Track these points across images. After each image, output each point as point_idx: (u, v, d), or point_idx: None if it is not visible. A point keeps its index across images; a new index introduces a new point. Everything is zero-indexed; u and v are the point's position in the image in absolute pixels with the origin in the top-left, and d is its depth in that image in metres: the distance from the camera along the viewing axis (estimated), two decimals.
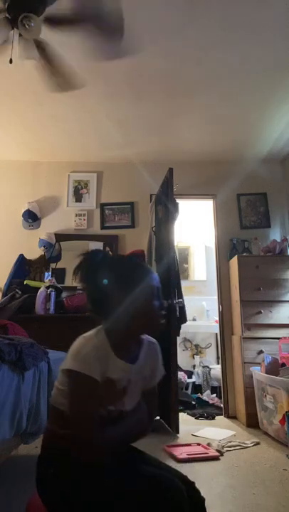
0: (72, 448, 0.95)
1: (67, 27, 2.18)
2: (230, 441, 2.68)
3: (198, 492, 1.04)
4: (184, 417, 3.40)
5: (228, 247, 3.87)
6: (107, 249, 3.85)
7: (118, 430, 1.02)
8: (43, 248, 3.78)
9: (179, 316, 3.12)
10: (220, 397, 3.83)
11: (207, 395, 4.08)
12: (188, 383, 4.31)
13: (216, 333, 4.37)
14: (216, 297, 3.93)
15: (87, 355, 1.02)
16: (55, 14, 2.08)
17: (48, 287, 3.34)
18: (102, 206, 4.01)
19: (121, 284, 1.05)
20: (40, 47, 2.17)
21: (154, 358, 1.16)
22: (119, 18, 2.19)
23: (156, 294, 1.08)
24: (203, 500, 1.04)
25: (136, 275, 1.08)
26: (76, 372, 0.99)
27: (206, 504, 1.05)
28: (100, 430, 0.96)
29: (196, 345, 4.80)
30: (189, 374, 4.47)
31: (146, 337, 1.16)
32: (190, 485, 1.03)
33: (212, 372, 4.30)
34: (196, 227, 5.17)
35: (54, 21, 2.11)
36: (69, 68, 2.46)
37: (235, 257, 3.57)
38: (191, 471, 2.14)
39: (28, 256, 3.79)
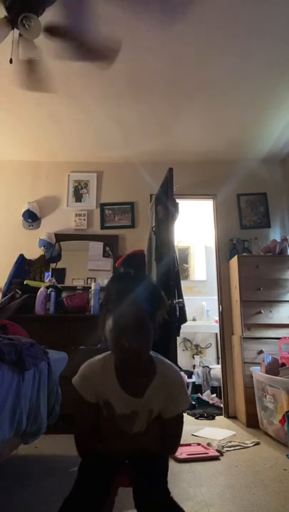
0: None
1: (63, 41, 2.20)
2: (230, 441, 2.68)
3: None
4: (184, 417, 3.39)
5: (228, 247, 3.87)
6: (107, 249, 3.86)
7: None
8: (43, 248, 3.78)
9: (179, 316, 3.11)
10: (220, 397, 3.83)
11: (207, 395, 4.08)
12: (188, 383, 4.31)
13: (216, 333, 4.37)
14: (216, 297, 3.93)
15: (84, 376, 1.12)
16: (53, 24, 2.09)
17: (48, 287, 3.34)
18: (102, 206, 4.01)
19: (102, 306, 1.10)
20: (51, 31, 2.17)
21: (169, 390, 1.10)
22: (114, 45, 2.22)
23: (125, 321, 1.01)
24: None
25: (109, 298, 1.08)
26: (75, 387, 1.11)
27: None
28: (88, 436, 1.09)
29: (196, 345, 4.80)
30: (189, 374, 4.47)
31: (162, 368, 1.12)
32: None
33: (212, 372, 4.30)
34: (196, 227, 5.17)
35: (52, 32, 2.13)
36: (46, 71, 2.47)
37: (235, 257, 3.57)
38: (191, 471, 2.14)
39: (28, 256, 3.78)
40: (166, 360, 1.17)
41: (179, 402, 1.13)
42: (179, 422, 1.15)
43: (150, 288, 1.10)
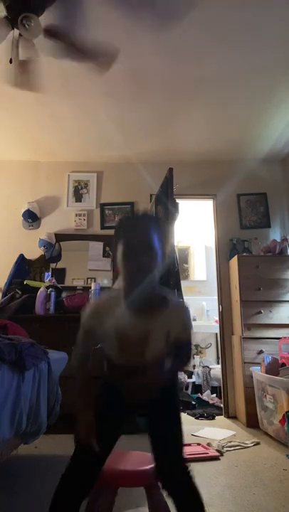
0: None
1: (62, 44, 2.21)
2: (230, 441, 2.68)
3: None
4: (184, 417, 3.37)
5: (228, 247, 3.87)
6: (107, 249, 3.86)
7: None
8: (43, 248, 3.78)
9: None
10: (220, 397, 3.83)
11: (207, 395, 4.08)
12: (188, 383, 4.31)
13: (216, 333, 4.37)
14: (216, 297, 3.93)
15: (91, 306, 1.25)
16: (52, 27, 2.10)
17: (48, 287, 3.34)
18: (102, 206, 4.01)
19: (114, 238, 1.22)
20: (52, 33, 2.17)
21: (178, 321, 1.19)
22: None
23: (131, 246, 1.13)
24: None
25: (116, 229, 1.22)
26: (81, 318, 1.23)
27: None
28: (83, 358, 1.24)
29: (196, 345, 4.80)
30: (189, 374, 4.46)
31: (173, 301, 1.23)
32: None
33: (212, 372, 4.30)
34: (196, 227, 5.17)
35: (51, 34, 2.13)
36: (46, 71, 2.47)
37: (235, 257, 3.57)
38: None
39: (28, 256, 3.78)
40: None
41: (188, 330, 1.21)
42: (187, 344, 1.22)
43: (157, 222, 1.26)
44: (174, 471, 1.13)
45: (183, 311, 1.22)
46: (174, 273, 3.15)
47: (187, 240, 5.28)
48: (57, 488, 1.10)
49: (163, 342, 1.16)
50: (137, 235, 1.14)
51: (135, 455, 1.42)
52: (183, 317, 1.21)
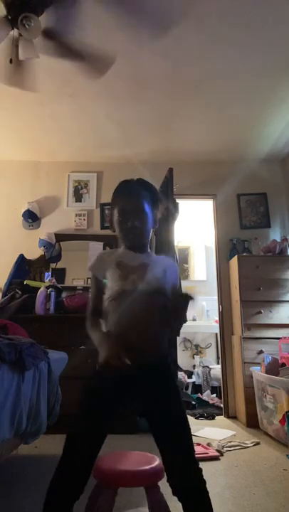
0: None
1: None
2: (230, 441, 2.68)
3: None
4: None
5: (228, 247, 3.87)
6: (107, 249, 3.85)
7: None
8: (43, 248, 3.78)
9: None
10: (220, 397, 3.83)
11: (207, 395, 4.08)
12: (188, 383, 4.31)
13: (216, 333, 4.37)
14: (216, 297, 3.93)
15: (97, 257, 1.37)
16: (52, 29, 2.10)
17: (48, 287, 3.34)
18: (102, 206, 4.01)
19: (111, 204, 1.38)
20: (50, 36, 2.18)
21: (172, 275, 1.31)
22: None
23: (125, 209, 1.27)
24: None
25: (113, 194, 1.37)
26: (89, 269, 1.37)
27: None
28: (94, 313, 1.28)
29: (196, 345, 4.80)
30: (189, 374, 4.47)
31: (165, 259, 1.40)
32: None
33: (212, 372, 4.30)
34: (196, 227, 5.17)
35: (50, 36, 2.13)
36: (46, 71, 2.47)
37: (235, 257, 3.57)
38: None
39: (28, 256, 3.78)
40: None
41: (177, 281, 1.36)
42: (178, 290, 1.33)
43: (150, 188, 1.36)
44: (185, 473, 1.09)
45: (173, 263, 1.43)
46: None
47: (187, 239, 5.27)
48: (52, 479, 1.07)
49: (160, 274, 1.25)
50: (130, 200, 1.29)
51: (135, 455, 1.41)
52: (175, 267, 1.40)
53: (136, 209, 1.28)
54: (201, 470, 1.10)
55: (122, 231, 1.29)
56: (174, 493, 1.07)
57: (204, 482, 1.08)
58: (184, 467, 1.10)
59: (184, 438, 1.15)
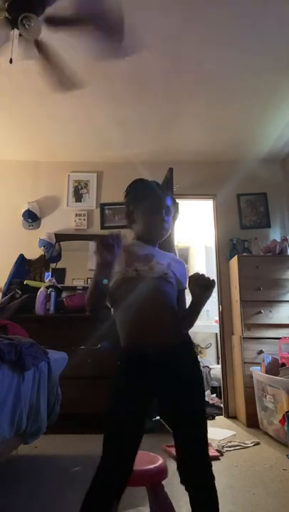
0: None
1: (67, 27, 2.17)
2: (230, 441, 2.68)
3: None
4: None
5: (228, 247, 3.87)
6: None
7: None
8: (43, 248, 3.78)
9: None
10: (220, 397, 3.83)
11: (207, 395, 4.08)
12: None
13: (216, 333, 4.37)
14: (216, 297, 3.93)
15: None
16: (55, 14, 2.08)
17: (48, 287, 3.34)
18: (102, 206, 4.01)
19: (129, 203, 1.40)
20: (41, 47, 2.17)
21: (179, 267, 1.35)
22: (119, 17, 2.18)
23: (157, 208, 1.32)
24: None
25: (134, 191, 1.40)
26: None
27: None
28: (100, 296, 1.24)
29: (196, 345, 4.80)
30: None
31: (172, 255, 1.43)
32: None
33: (212, 372, 4.29)
34: (196, 227, 5.16)
35: (54, 22, 2.11)
36: (69, 67, 2.45)
37: (235, 257, 3.57)
38: None
39: (28, 256, 3.78)
40: None
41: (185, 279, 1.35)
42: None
43: (165, 189, 1.45)
44: (200, 463, 1.10)
45: (180, 259, 1.46)
46: None
47: (187, 240, 5.27)
48: (94, 479, 1.05)
49: (166, 266, 1.27)
50: (158, 194, 1.34)
51: (139, 454, 1.41)
52: (182, 262, 1.43)
53: (166, 204, 1.34)
54: (211, 465, 1.11)
55: (151, 223, 1.33)
56: (183, 482, 1.08)
57: (214, 477, 1.11)
58: (200, 458, 1.11)
59: (203, 429, 1.16)
